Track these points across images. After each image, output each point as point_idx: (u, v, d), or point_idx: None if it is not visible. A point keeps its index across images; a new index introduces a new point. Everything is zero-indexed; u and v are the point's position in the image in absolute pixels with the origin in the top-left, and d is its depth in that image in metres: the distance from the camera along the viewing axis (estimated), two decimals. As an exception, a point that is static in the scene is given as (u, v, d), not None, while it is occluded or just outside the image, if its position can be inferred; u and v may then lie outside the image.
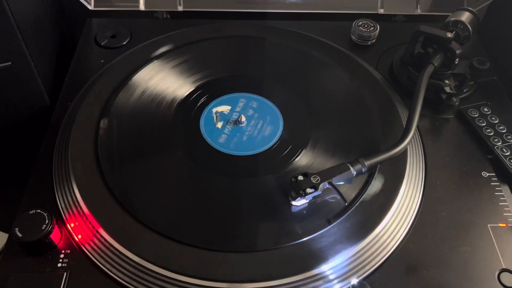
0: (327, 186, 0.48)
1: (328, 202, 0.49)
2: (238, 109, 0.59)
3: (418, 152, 0.56)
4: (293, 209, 0.49)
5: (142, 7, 0.73)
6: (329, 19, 0.75)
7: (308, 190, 0.47)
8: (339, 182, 0.49)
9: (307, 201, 0.49)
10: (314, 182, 0.47)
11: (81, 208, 0.48)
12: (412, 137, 0.52)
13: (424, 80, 0.57)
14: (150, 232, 0.47)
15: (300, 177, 0.48)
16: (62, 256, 0.46)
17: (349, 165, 0.49)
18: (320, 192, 0.48)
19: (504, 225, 0.51)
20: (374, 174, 0.52)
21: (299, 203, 0.49)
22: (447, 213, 0.51)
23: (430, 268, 0.47)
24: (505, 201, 0.53)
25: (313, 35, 0.70)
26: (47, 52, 0.66)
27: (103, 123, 0.56)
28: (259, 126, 0.57)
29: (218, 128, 0.56)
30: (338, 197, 0.50)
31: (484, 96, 0.63)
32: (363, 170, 0.49)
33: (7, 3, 0.53)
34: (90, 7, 0.73)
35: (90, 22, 0.72)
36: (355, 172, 0.49)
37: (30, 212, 0.46)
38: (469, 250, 0.49)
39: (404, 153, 0.53)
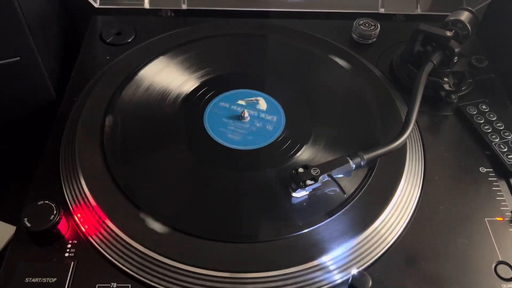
0: (327, 178, 0.49)
1: (329, 195, 0.50)
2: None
3: (417, 147, 0.57)
4: (293, 201, 0.50)
5: (146, 5, 0.74)
6: (330, 18, 0.76)
7: (308, 182, 0.48)
8: (339, 174, 0.50)
9: (307, 192, 0.50)
10: (314, 174, 0.48)
11: (88, 199, 0.50)
12: (411, 132, 0.53)
13: (423, 76, 0.58)
14: (154, 222, 0.48)
15: (301, 169, 0.49)
16: (69, 246, 0.47)
17: (348, 158, 0.50)
18: (319, 184, 0.49)
19: (501, 219, 0.52)
20: (374, 168, 0.53)
21: (299, 194, 0.50)
22: (445, 207, 0.52)
23: (428, 260, 0.48)
24: (502, 196, 0.54)
25: (314, 33, 0.71)
26: (54, 48, 0.67)
27: (109, 117, 0.57)
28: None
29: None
30: (338, 189, 0.51)
31: (483, 93, 0.64)
32: (362, 163, 0.50)
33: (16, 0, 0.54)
34: (96, 4, 0.74)
35: (96, 20, 0.73)
36: (354, 165, 0.50)
37: (39, 203, 0.47)
38: (466, 242, 0.50)
39: (403, 148, 0.55)
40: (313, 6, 0.76)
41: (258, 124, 0.58)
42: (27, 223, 0.46)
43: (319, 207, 0.50)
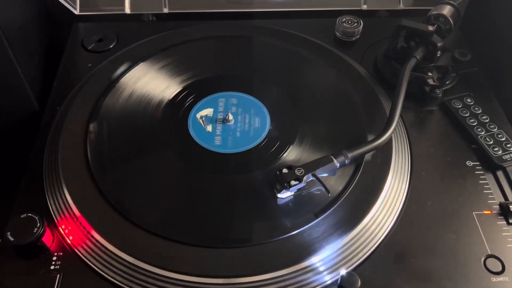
0: (311, 178, 0.49)
1: (315, 194, 0.50)
2: (225, 107, 0.60)
3: (404, 144, 0.57)
4: (279, 202, 0.50)
5: (127, 10, 0.74)
6: (313, 17, 0.76)
7: (292, 182, 0.48)
8: (323, 174, 0.50)
9: (292, 193, 0.50)
10: (298, 174, 0.48)
11: (72, 210, 0.49)
12: (395, 128, 0.53)
13: (406, 72, 0.58)
14: (141, 231, 0.47)
15: (285, 170, 0.49)
16: (54, 258, 0.47)
17: (332, 157, 0.50)
18: (304, 184, 0.49)
19: (489, 212, 0.52)
20: (361, 166, 0.53)
21: (284, 195, 0.49)
22: (433, 202, 0.52)
23: (418, 257, 0.48)
24: (489, 189, 0.54)
25: (298, 33, 0.70)
26: (35, 58, 0.66)
27: (92, 125, 0.56)
28: (246, 124, 0.58)
29: (208, 131, 0.57)
30: (323, 189, 0.50)
31: (467, 87, 0.64)
32: (346, 161, 0.50)
33: (-8, 10, 0.53)
34: (76, 12, 0.73)
35: (77, 27, 0.73)
36: (338, 164, 0.50)
37: (22, 216, 0.47)
38: (455, 237, 0.49)
39: (389, 145, 0.55)
40: (296, 5, 0.76)
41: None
42: (10, 237, 0.45)
43: (306, 207, 0.49)
